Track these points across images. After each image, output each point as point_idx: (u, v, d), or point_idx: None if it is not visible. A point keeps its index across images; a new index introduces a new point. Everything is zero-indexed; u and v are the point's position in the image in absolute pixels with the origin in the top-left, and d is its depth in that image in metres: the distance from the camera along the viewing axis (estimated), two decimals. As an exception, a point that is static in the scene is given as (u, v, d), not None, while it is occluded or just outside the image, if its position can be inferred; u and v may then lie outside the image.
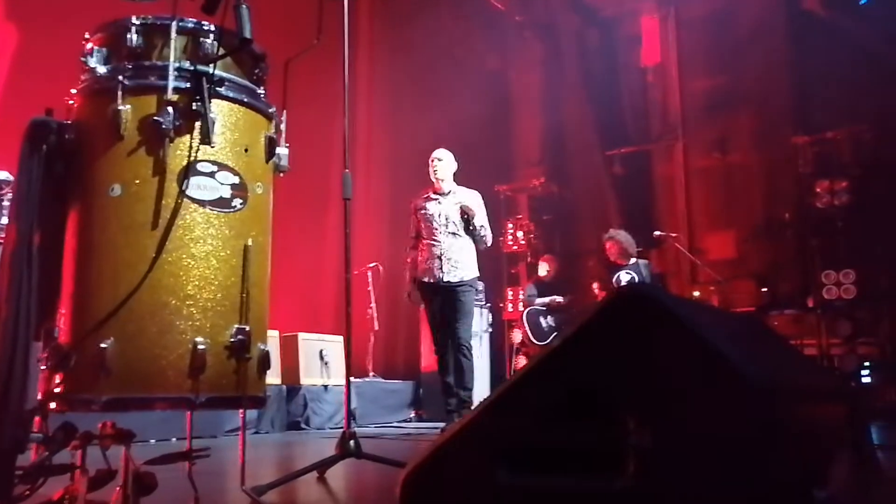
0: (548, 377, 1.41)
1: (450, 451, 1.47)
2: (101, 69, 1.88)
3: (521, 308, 7.80)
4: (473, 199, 5.32)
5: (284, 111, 2.08)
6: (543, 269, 7.72)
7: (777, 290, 7.45)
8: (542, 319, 7.50)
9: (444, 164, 5.34)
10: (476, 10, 9.06)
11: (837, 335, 6.77)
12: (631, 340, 1.34)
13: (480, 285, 5.42)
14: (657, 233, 7.39)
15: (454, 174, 5.41)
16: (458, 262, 5.20)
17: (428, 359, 7.48)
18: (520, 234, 8.61)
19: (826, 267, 6.84)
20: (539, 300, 7.50)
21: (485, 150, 8.20)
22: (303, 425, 5.95)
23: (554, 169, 8.97)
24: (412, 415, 7.40)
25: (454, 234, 5.24)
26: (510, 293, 8.49)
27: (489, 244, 5.41)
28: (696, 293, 7.61)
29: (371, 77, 9.01)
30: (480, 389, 7.43)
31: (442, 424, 6.40)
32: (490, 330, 7.86)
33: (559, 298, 7.43)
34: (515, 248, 8.62)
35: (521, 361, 7.84)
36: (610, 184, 8.60)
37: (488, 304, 7.91)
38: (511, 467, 1.37)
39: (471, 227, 5.23)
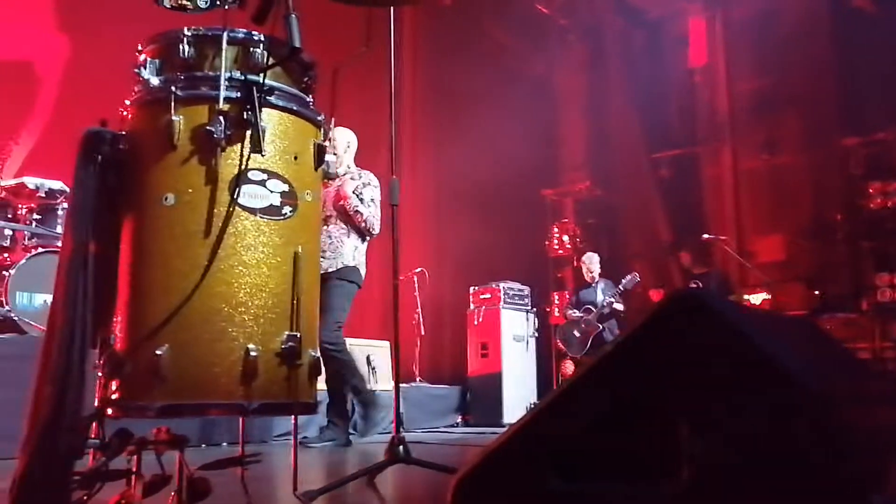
0: (600, 383, 1.39)
1: (501, 457, 1.46)
2: (154, 80, 1.91)
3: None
4: (352, 183, 4.75)
5: (333, 119, 2.09)
6: (586, 272, 7.60)
7: (828, 292, 7.28)
8: (574, 332, 7.41)
9: (333, 144, 4.79)
10: (520, 15, 9.03)
11: (891, 338, 6.61)
12: (683, 346, 1.31)
13: (358, 275, 4.76)
14: (705, 236, 7.27)
15: (353, 155, 4.90)
16: (325, 251, 4.63)
17: (475, 364, 7.47)
18: (565, 237, 8.55)
19: (879, 269, 6.69)
20: (570, 312, 7.42)
21: (530, 155, 8.17)
22: (351, 430, 5.97)
23: (599, 172, 8.89)
24: (459, 420, 7.39)
25: (326, 218, 4.70)
26: (556, 297, 8.42)
27: (372, 231, 4.78)
28: (746, 296, 7.46)
29: (415, 83, 9.05)
30: (526, 394, 7.40)
31: (490, 429, 6.39)
32: (536, 335, 7.81)
33: (592, 309, 7.30)
34: (561, 252, 8.56)
35: (568, 367, 7.76)
36: (656, 187, 8.49)
37: (534, 309, 7.86)
38: (563, 473, 1.35)
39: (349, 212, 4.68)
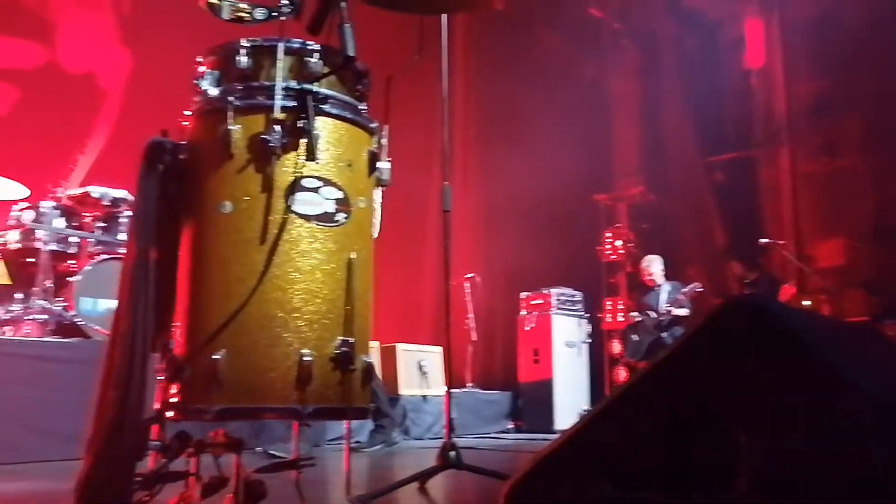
0: (654, 390, 1.36)
1: (554, 464, 1.45)
2: (213, 91, 1.96)
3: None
4: None
5: (386, 126, 2.11)
6: (646, 276, 7.42)
7: (890, 298, 7.03)
8: (633, 336, 7.30)
9: None
10: (572, 20, 8.98)
11: (956, 346, 6.34)
12: (741, 353, 1.28)
13: None
14: (763, 240, 7.11)
15: None
16: None
17: (526, 369, 7.43)
18: (618, 242, 8.45)
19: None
20: (633, 315, 7.31)
21: (582, 160, 8.11)
22: (402, 435, 6.01)
23: (653, 177, 8.77)
24: (511, 426, 7.35)
25: None
26: (609, 303, 8.33)
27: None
28: (806, 302, 7.25)
29: (467, 90, 9.07)
30: (578, 401, 7.32)
31: (542, 435, 6.35)
32: (589, 341, 7.72)
33: (651, 314, 7.14)
34: (614, 257, 8.46)
35: (621, 373, 7.67)
36: (711, 191, 8.33)
37: (587, 315, 7.78)
38: (616, 481, 1.34)
39: None
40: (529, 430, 7.05)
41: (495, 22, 9.04)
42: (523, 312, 7.61)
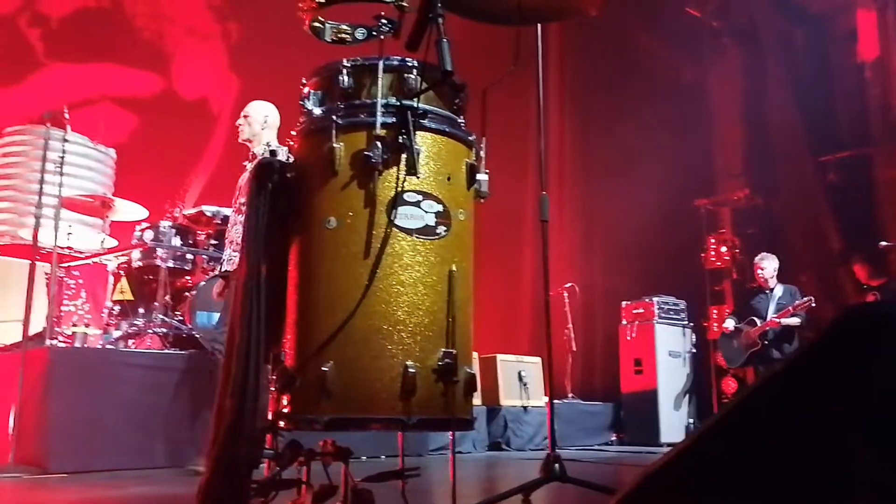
0: (771, 404, 1.31)
1: (665, 480, 1.41)
2: (317, 110, 2.03)
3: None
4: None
5: (484, 138, 2.12)
6: (758, 276, 6.79)
7: None
8: (732, 343, 6.87)
9: (248, 121, 4.20)
10: (669, 21, 8.78)
11: None
12: (866, 364, 1.21)
13: None
14: (883, 243, 6.68)
15: (274, 131, 4.22)
16: (235, 242, 4.02)
17: (628, 380, 7.27)
18: (723, 249, 8.16)
19: None
20: (726, 324, 6.85)
21: (683, 164, 7.89)
22: (503, 446, 6.00)
23: (759, 180, 8.42)
24: (613, 438, 7.21)
25: (238, 207, 4.08)
26: (714, 312, 8.04)
27: None
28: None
29: (562, 98, 9.01)
30: (684, 413, 7.10)
31: (646, 448, 6.18)
32: (693, 351, 7.48)
33: (756, 321, 6.53)
34: (719, 264, 8.17)
35: (730, 384, 7.37)
36: (823, 192, 7.91)
37: (691, 324, 7.54)
38: (729, 500, 1.29)
39: None
40: (633, 442, 6.89)
41: (589, 28, 8.95)
42: (624, 322, 7.45)
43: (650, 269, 7.81)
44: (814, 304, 6.30)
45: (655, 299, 7.30)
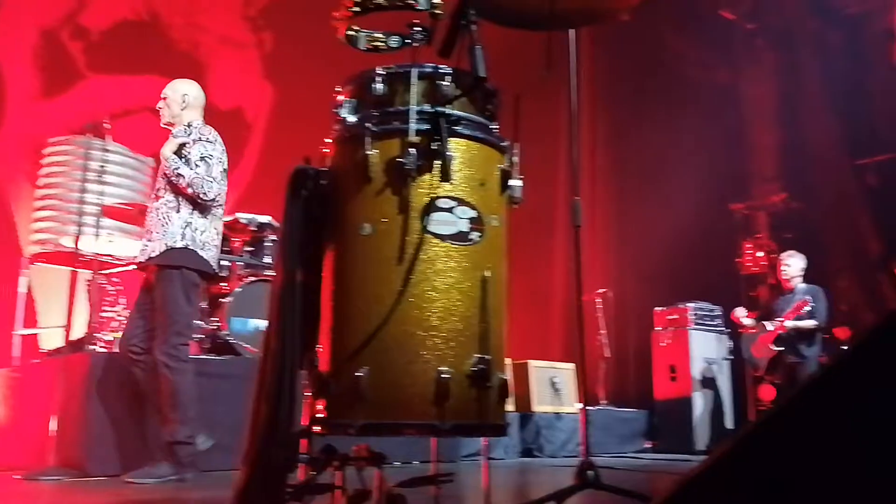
0: (810, 412, 1.29)
1: (702, 488, 1.39)
2: (351, 118, 2.05)
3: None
4: (174, 141, 3.79)
5: (517, 144, 2.13)
6: (783, 275, 6.61)
7: None
8: (749, 348, 6.74)
9: (166, 102, 3.92)
10: (702, 24, 8.70)
11: None
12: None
13: (194, 258, 3.68)
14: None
15: (199, 111, 3.97)
16: (151, 231, 3.72)
17: (662, 387, 7.20)
18: (759, 254, 8.04)
19: None
20: (745, 322, 6.68)
21: (717, 169, 7.81)
22: (536, 452, 5.97)
23: (796, 183, 8.29)
24: (647, 445, 7.14)
25: (156, 192, 3.80)
26: (770, 327, 7.88)
27: (202, 197, 3.68)
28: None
29: (593, 102, 8.98)
30: (720, 420, 7.00)
31: (681, 456, 6.10)
32: (731, 357, 7.38)
33: (767, 325, 6.37)
34: (755, 269, 8.05)
35: (767, 391, 7.24)
36: (862, 196, 7.76)
37: (727, 330, 7.44)
38: (768, 509, 1.27)
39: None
40: (667, 449, 6.81)
41: (621, 32, 8.90)
42: (658, 328, 7.38)
43: (684, 275, 7.73)
44: (809, 307, 6.12)
45: (690, 305, 7.22)
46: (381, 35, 2.12)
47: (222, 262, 5.16)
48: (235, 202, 6.70)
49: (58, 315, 5.18)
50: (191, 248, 3.65)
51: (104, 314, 4.91)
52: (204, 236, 3.72)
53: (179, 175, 3.64)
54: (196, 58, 7.29)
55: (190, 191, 3.64)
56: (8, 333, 5.23)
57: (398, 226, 1.91)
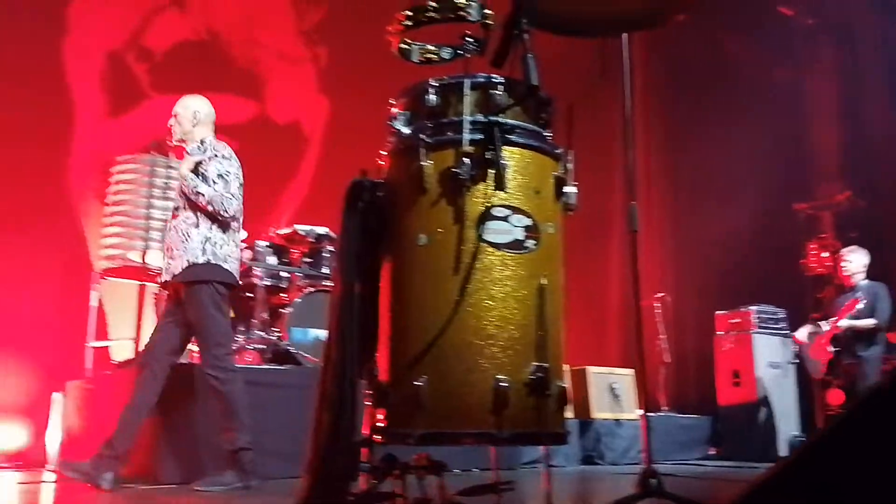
0: (884, 415, 1.25)
1: (767, 497, 1.36)
2: (405, 130, 2.08)
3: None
4: (190, 160, 3.82)
5: (571, 151, 2.12)
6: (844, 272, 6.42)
7: None
8: (807, 351, 6.52)
9: (177, 120, 3.94)
10: (759, 22, 8.51)
11: None
12: None
13: (216, 271, 3.71)
14: None
15: (209, 127, 3.96)
16: (172, 249, 3.77)
17: (726, 392, 7.03)
18: (824, 254, 7.80)
19: None
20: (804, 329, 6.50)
21: (778, 168, 7.62)
22: (596, 460, 5.91)
23: (861, 182, 8.03)
24: (711, 452, 6.98)
25: (175, 210, 3.85)
26: (826, 327, 7.66)
27: (222, 214, 3.72)
28: None
29: (648, 105, 8.86)
30: (787, 426, 6.80)
31: (747, 463, 5.95)
32: (796, 361, 7.17)
33: (823, 325, 6.19)
34: (820, 270, 7.82)
35: (836, 396, 7.01)
36: (932, 193, 7.48)
37: (792, 334, 7.24)
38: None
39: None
40: (732, 457, 6.65)
41: (675, 33, 8.77)
42: (720, 332, 7.22)
43: (745, 277, 7.55)
44: (862, 305, 5.87)
45: (753, 308, 7.04)
46: (433, 47, 2.15)
47: (282, 274, 5.27)
48: (293, 214, 6.85)
49: (127, 327, 5.35)
50: (213, 262, 3.69)
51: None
52: (224, 250, 3.75)
53: (199, 193, 3.68)
54: (254, 74, 7.47)
55: (210, 208, 3.68)
56: (81, 346, 5.43)
57: (454, 236, 1.93)
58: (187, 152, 3.87)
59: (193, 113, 3.90)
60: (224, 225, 3.75)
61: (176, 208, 3.82)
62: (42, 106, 6.01)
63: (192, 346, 4.36)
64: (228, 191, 3.74)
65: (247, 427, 3.66)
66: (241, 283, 4.07)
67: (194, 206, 3.71)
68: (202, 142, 3.87)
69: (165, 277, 3.80)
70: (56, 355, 5.60)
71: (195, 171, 3.75)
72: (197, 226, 3.70)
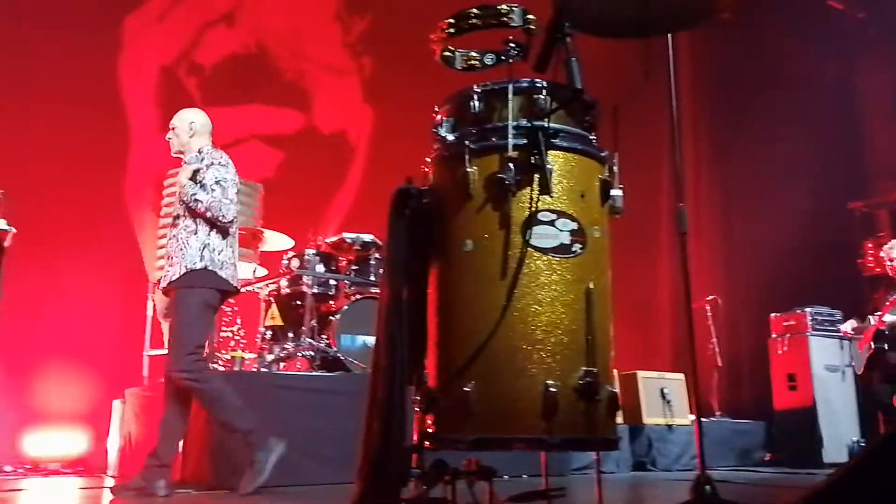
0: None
1: (827, 503, 1.33)
2: (450, 136, 2.09)
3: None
4: (188, 168, 3.87)
5: (616, 154, 2.11)
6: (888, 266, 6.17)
7: None
8: (856, 345, 6.30)
9: (175, 132, 4.02)
10: (808, 18, 8.32)
11: None
12: None
13: (210, 277, 3.73)
14: None
15: (206, 137, 4.02)
16: (171, 257, 3.82)
17: (781, 397, 6.87)
18: (882, 254, 7.57)
19: None
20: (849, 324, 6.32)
21: (832, 166, 7.43)
22: (648, 466, 5.82)
23: (919, 177, 7.78)
24: (766, 458, 6.82)
25: (175, 218, 3.89)
26: (872, 322, 7.44)
27: (220, 220, 3.75)
28: None
29: (695, 106, 8.72)
30: (846, 431, 6.61)
31: (804, 470, 5.78)
32: (853, 364, 6.97)
33: (870, 319, 5.98)
34: (878, 270, 7.58)
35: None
36: None
37: (840, 326, 7.03)
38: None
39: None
40: (789, 463, 6.48)
41: (722, 32, 8.63)
42: (774, 335, 7.05)
43: (799, 279, 7.36)
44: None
45: (808, 310, 6.86)
46: (476, 54, 2.15)
47: (330, 282, 5.33)
48: (341, 223, 6.93)
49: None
50: (210, 268, 3.74)
51: (223, 334, 5.15)
52: (222, 256, 3.80)
53: (197, 200, 3.73)
54: (300, 86, 7.60)
55: (209, 214, 3.73)
56: (138, 355, 5.58)
57: (500, 241, 1.93)
58: (185, 162, 3.96)
59: (189, 124, 3.99)
60: (223, 231, 3.81)
61: (175, 217, 3.88)
62: (99, 123, 6.22)
63: (226, 354, 4.43)
64: (226, 196, 3.80)
65: (241, 409, 3.68)
66: (240, 288, 4.11)
67: (193, 214, 3.78)
68: (200, 151, 3.95)
69: (163, 284, 3.86)
70: (116, 364, 5.77)
71: (193, 179, 3.83)
72: (196, 233, 3.77)
